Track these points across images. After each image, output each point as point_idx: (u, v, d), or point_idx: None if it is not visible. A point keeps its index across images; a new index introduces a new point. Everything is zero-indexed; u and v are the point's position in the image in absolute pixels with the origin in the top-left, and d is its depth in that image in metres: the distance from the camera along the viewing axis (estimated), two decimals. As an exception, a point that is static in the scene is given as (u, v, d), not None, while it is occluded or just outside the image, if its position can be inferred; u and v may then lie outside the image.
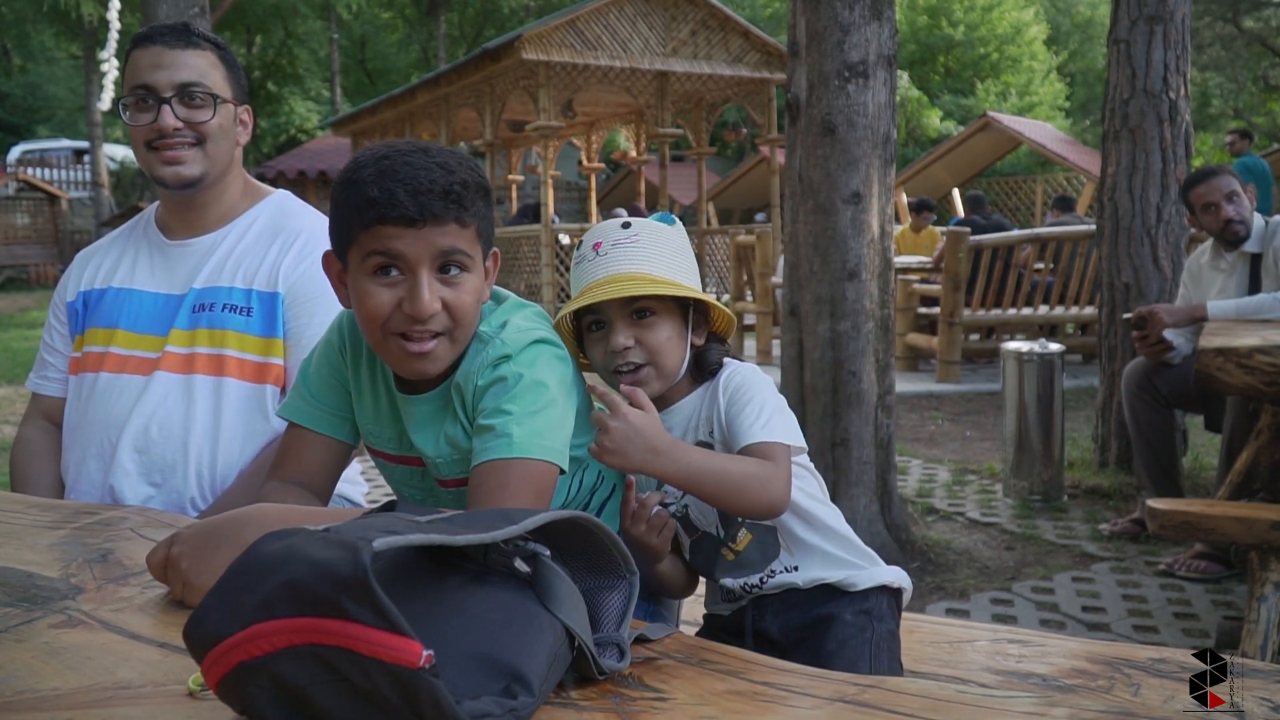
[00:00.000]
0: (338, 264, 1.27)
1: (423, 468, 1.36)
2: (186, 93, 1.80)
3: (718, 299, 1.41)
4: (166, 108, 1.79)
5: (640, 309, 1.29)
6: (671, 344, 1.30)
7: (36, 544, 1.35)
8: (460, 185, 1.18)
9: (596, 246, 1.32)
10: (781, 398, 1.30)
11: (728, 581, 1.33)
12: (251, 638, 0.75)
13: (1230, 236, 3.77)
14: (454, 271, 1.21)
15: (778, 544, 1.31)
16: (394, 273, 1.19)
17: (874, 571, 1.31)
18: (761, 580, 1.31)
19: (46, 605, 1.11)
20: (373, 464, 1.46)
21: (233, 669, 0.76)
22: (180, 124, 1.80)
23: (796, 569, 1.30)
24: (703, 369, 1.35)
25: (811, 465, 1.36)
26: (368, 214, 1.16)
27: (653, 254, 1.30)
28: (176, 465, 1.79)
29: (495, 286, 1.35)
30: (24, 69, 30.50)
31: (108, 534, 1.39)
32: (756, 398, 1.27)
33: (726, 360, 1.35)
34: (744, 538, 1.31)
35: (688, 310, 1.33)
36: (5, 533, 1.40)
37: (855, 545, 1.34)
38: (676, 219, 1.38)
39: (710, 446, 1.29)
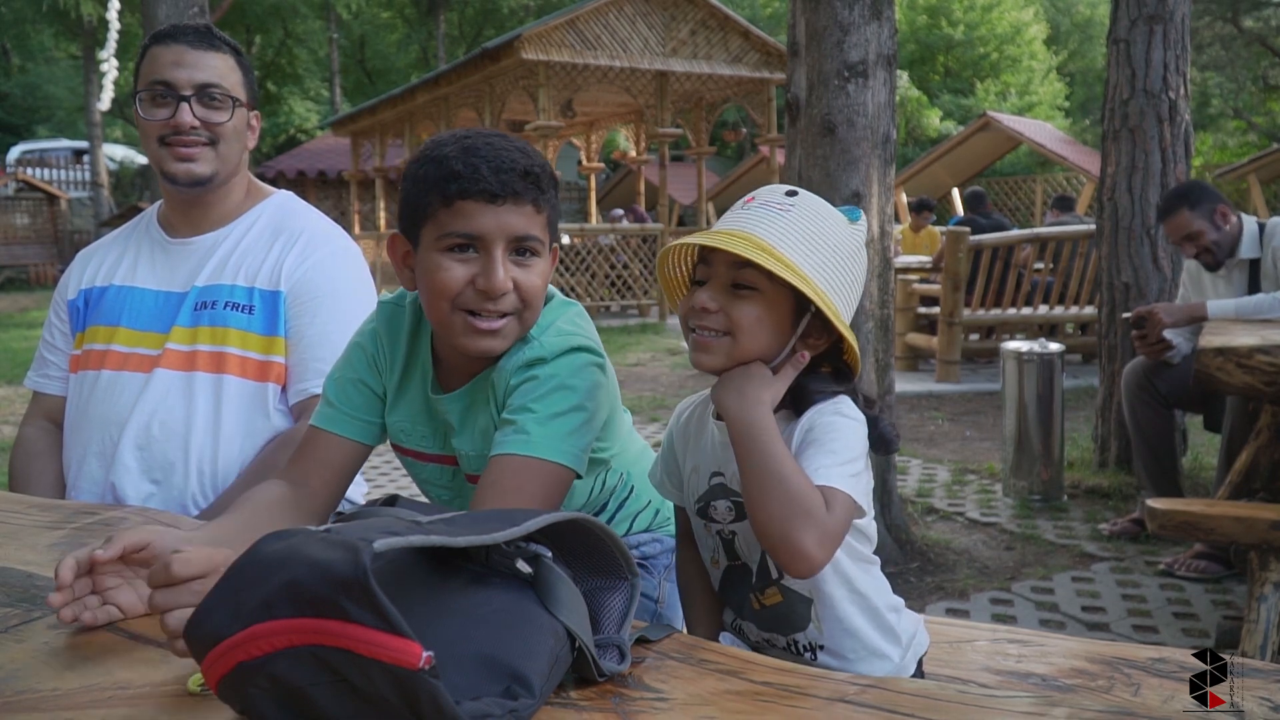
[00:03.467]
0: (405, 244, 1.27)
1: (455, 466, 1.37)
2: (206, 93, 1.82)
3: None
4: (185, 105, 1.81)
5: (742, 281, 1.09)
6: (759, 328, 1.10)
7: (36, 544, 1.35)
8: (539, 168, 1.21)
9: (749, 201, 1.14)
10: (864, 453, 1.10)
11: (750, 628, 1.21)
12: (251, 638, 0.75)
13: (1205, 265, 3.78)
14: (526, 255, 1.23)
15: (808, 616, 1.14)
16: (470, 251, 1.20)
17: (905, 663, 1.16)
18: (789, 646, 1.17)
19: (46, 605, 1.11)
20: (372, 464, 1.45)
21: (233, 669, 0.76)
22: (197, 122, 1.82)
23: (823, 648, 1.14)
24: (799, 399, 1.12)
25: (873, 527, 1.18)
26: (449, 188, 1.17)
27: (796, 231, 1.09)
28: (177, 463, 1.79)
29: None
30: (23, 69, 30.51)
31: (108, 534, 1.39)
32: (841, 442, 1.07)
33: (827, 402, 1.11)
34: (772, 595, 1.15)
35: (804, 312, 1.10)
36: (5, 533, 1.40)
37: (888, 625, 1.16)
38: (861, 216, 1.17)
39: None
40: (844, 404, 1.11)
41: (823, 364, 1.15)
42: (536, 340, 1.25)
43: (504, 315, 1.23)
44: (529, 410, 1.20)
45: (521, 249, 1.22)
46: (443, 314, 1.23)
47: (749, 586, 1.17)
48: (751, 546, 1.15)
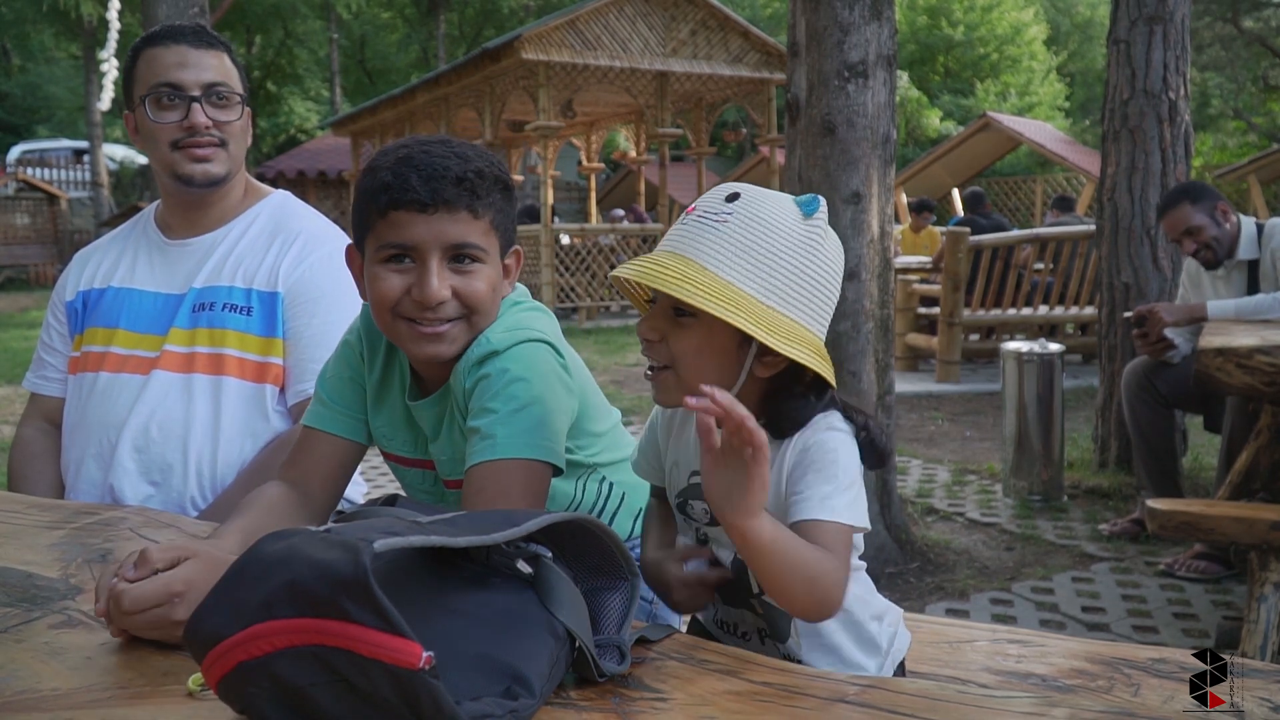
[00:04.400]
0: (358, 257, 1.28)
1: (434, 471, 1.36)
2: (214, 92, 1.82)
3: None
4: (197, 106, 1.80)
5: (680, 306, 1.02)
6: (701, 359, 1.03)
7: (36, 544, 1.35)
8: (474, 174, 1.18)
9: (690, 211, 1.07)
10: (859, 470, 1.05)
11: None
12: (252, 638, 0.75)
13: (1204, 263, 3.78)
14: (466, 262, 1.21)
15: (787, 630, 1.12)
16: (406, 260, 1.20)
17: (883, 673, 1.14)
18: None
19: (46, 605, 1.11)
20: (372, 464, 1.45)
21: (233, 669, 0.76)
22: (210, 122, 1.81)
23: (800, 663, 1.10)
24: (779, 423, 1.05)
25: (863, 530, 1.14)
26: (381, 199, 1.17)
27: (733, 244, 1.02)
28: (175, 464, 1.79)
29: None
30: (24, 69, 30.51)
31: (107, 534, 1.39)
32: (840, 464, 1.01)
33: (815, 419, 1.06)
34: (753, 617, 1.14)
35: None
36: (5, 533, 1.40)
37: (869, 636, 1.14)
38: (819, 207, 1.06)
39: None
40: (832, 416, 1.06)
41: (804, 375, 1.05)
42: (486, 336, 1.24)
43: (449, 320, 1.21)
44: (489, 411, 1.18)
45: (460, 256, 1.20)
46: (387, 323, 1.24)
47: (728, 596, 1.15)
48: (725, 549, 1.12)
